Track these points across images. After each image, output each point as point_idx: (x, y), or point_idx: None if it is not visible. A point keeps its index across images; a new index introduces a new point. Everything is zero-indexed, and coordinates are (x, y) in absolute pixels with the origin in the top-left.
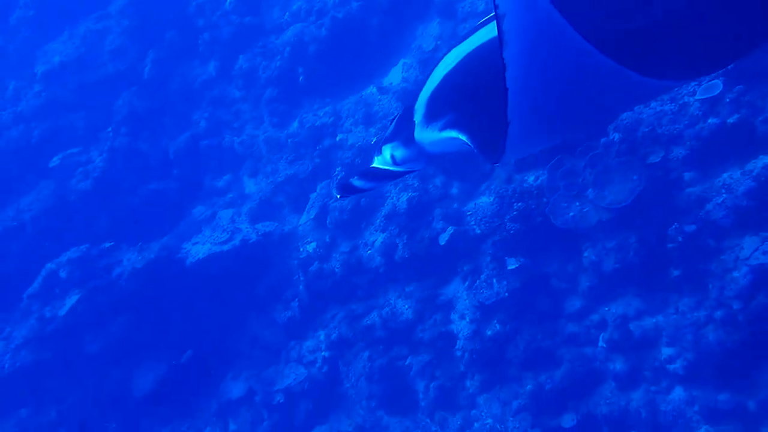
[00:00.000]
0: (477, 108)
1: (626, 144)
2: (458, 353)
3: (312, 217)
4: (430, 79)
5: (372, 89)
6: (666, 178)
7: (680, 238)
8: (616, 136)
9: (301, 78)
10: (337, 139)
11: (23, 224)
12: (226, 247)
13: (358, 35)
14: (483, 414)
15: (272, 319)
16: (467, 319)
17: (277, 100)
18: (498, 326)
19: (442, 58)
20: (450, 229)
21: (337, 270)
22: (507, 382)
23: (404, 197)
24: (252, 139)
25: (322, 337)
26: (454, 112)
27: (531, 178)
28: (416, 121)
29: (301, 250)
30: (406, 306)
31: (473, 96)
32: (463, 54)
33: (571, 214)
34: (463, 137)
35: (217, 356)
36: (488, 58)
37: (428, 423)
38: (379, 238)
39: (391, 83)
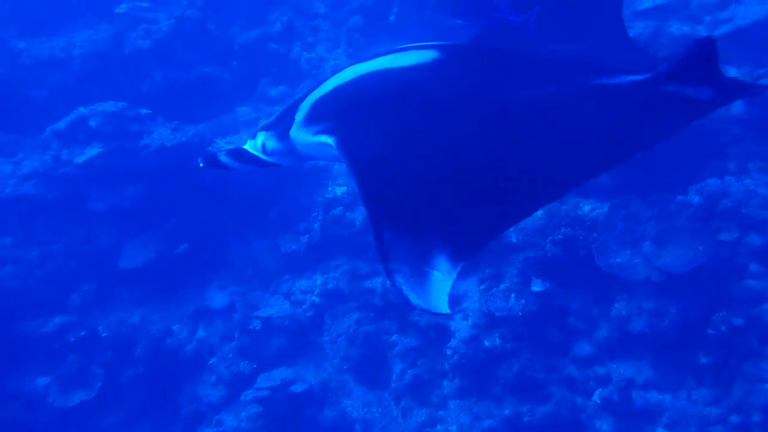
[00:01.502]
0: (355, 124)
1: (703, 211)
2: (448, 351)
3: None
4: (322, 84)
5: None
6: (731, 261)
7: (723, 328)
8: (696, 199)
9: (392, 18)
10: None
11: (71, 58)
12: None
13: None
14: (449, 419)
15: (276, 246)
16: (469, 322)
17: (359, 31)
18: (498, 341)
19: (339, 70)
20: None
21: (358, 223)
22: (486, 398)
23: None
24: (320, 61)
25: (318, 282)
26: (332, 121)
27: (587, 208)
28: (296, 119)
29: (330, 189)
30: None
31: (355, 112)
32: (360, 72)
33: (618, 260)
34: (333, 145)
35: (210, 260)
36: (382, 82)
37: (391, 405)
38: None
39: None
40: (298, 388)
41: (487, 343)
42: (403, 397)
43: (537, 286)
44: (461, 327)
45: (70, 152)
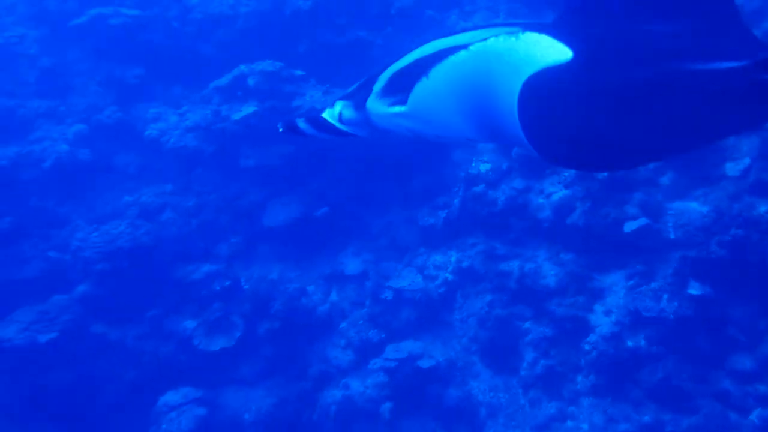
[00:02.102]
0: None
1: None
2: (586, 347)
3: None
4: (405, 57)
5: None
6: None
7: None
8: None
9: None
10: None
11: (237, 16)
12: None
13: None
14: (581, 417)
15: (413, 217)
16: (612, 319)
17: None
18: (643, 342)
19: (426, 42)
20: (642, 221)
21: (499, 202)
22: (624, 401)
23: None
24: None
25: (453, 259)
26: (407, 94)
27: (764, 208)
28: (374, 90)
29: (473, 165)
30: (553, 272)
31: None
32: (441, 47)
33: None
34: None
35: (348, 226)
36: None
37: (519, 394)
38: (559, 193)
39: None
40: (425, 363)
41: (630, 343)
42: (532, 387)
43: (695, 289)
44: (602, 323)
45: (229, 108)
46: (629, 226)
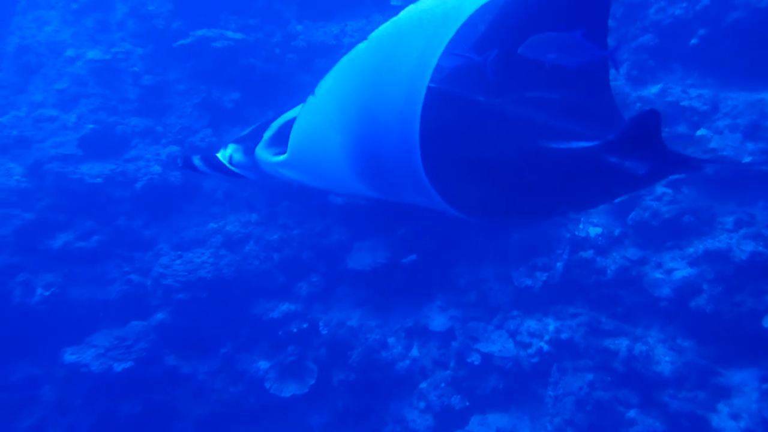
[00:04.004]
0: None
1: None
2: None
3: (616, 199)
4: (295, 108)
5: None
6: None
7: None
8: None
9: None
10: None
11: (339, 47)
12: None
13: None
14: None
15: (508, 276)
16: (741, 425)
17: (650, 52)
18: None
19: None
20: None
21: (609, 272)
22: None
23: (747, 245)
24: None
25: (550, 328)
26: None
27: None
28: (264, 137)
29: (581, 227)
30: (668, 358)
31: None
32: None
33: None
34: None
35: (435, 277)
36: None
37: None
38: (683, 271)
39: None
40: None
41: None
42: None
43: None
44: (728, 427)
45: None
46: None
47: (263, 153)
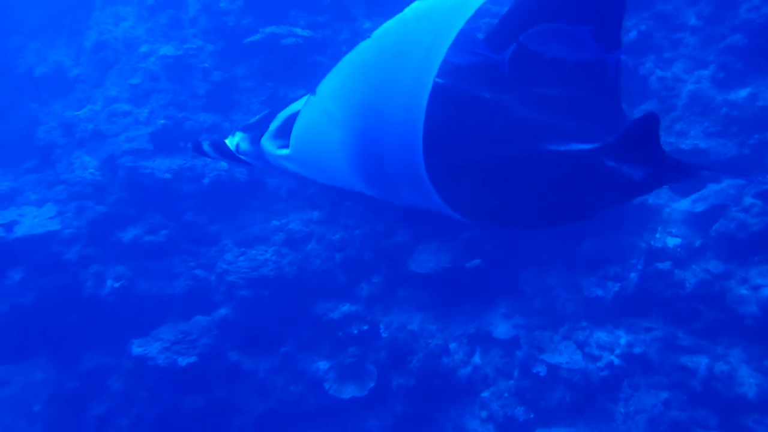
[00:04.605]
0: None
1: None
2: None
3: (698, 209)
4: (303, 98)
5: None
6: None
7: None
8: None
9: None
10: None
11: None
12: None
13: None
14: None
15: (577, 284)
16: None
17: (738, 54)
18: None
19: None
20: None
21: (688, 286)
22: None
23: None
24: (675, 82)
25: (622, 341)
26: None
27: None
28: (270, 128)
29: (658, 237)
30: (753, 380)
31: None
32: None
33: None
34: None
35: (499, 283)
36: None
37: None
38: None
39: None
40: None
41: None
42: None
43: None
44: None
45: None
46: None
47: (268, 144)
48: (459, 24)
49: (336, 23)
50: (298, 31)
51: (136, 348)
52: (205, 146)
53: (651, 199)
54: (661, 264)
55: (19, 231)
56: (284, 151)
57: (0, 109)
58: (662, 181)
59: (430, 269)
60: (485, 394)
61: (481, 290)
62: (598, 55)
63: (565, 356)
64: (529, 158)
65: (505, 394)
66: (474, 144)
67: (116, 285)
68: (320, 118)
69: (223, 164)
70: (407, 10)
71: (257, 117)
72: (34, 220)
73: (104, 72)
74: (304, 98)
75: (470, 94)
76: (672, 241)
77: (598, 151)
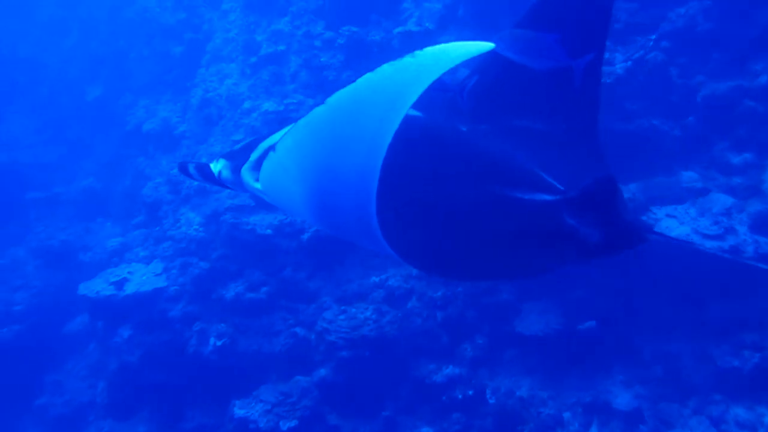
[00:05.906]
0: None
1: None
2: None
3: None
4: (284, 130)
5: None
6: None
7: None
8: None
9: None
10: None
11: None
12: (709, 244)
13: None
14: None
15: (706, 352)
16: None
17: None
18: None
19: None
20: None
21: None
22: None
23: None
24: None
25: (766, 420)
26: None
27: None
28: (250, 158)
29: None
30: None
31: None
32: None
33: None
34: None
35: (614, 346)
36: None
37: None
38: None
39: None
40: None
41: None
42: None
43: None
44: None
45: None
46: None
47: (247, 175)
48: (413, 96)
49: None
50: None
51: (238, 410)
52: (191, 169)
53: None
54: None
55: (129, 288)
56: (259, 185)
57: (111, 163)
58: (620, 247)
59: (540, 332)
60: None
61: (594, 354)
62: (577, 84)
63: None
64: (491, 205)
65: None
66: (433, 185)
67: (218, 343)
68: (280, 171)
69: None
70: (360, 80)
71: (241, 144)
72: (142, 277)
73: (209, 128)
74: (286, 128)
75: (434, 126)
76: None
77: (560, 204)
